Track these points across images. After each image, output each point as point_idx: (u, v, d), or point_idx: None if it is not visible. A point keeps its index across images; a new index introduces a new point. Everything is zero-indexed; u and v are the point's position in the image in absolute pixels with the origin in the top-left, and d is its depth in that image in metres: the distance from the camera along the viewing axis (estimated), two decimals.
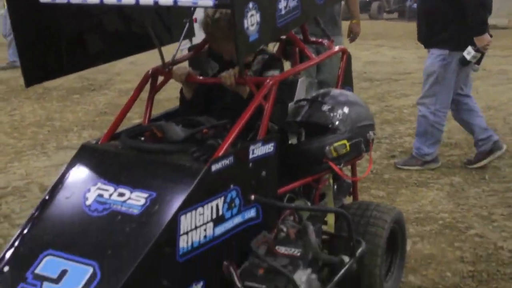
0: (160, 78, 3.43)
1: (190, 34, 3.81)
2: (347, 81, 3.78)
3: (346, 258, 3.10)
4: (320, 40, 3.91)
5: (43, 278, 2.49)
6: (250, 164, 2.92)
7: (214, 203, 2.73)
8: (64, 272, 2.49)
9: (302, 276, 2.83)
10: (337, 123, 3.23)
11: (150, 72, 3.36)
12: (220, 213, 2.77)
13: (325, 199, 3.52)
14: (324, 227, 3.34)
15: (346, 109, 3.27)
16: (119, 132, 3.16)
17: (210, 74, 3.55)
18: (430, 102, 5.82)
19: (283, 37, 3.65)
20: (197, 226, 2.65)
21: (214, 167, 2.72)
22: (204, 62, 3.69)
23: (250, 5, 2.49)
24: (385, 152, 6.45)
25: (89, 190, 2.78)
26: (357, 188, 3.92)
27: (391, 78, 10.65)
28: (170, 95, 7.79)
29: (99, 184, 2.79)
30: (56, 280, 2.47)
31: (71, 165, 2.94)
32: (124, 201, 2.69)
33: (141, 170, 2.83)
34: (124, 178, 2.79)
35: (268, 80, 3.05)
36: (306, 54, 3.57)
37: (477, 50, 5.44)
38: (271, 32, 2.72)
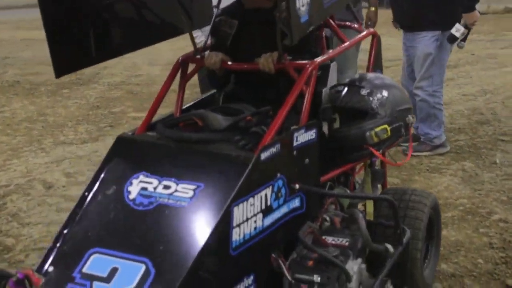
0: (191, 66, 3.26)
1: (210, 19, 3.69)
2: (377, 64, 3.68)
3: (389, 247, 3.00)
4: (349, 23, 3.80)
5: (92, 277, 2.35)
6: (295, 152, 2.81)
7: (263, 193, 2.62)
8: (114, 270, 2.35)
9: (353, 266, 2.72)
10: (376, 107, 3.12)
11: (180, 60, 3.21)
12: (269, 203, 2.66)
13: (359, 187, 3.42)
14: None
15: (385, 93, 3.15)
16: (154, 123, 3.01)
17: (230, 33, 3.30)
18: (427, 84, 5.78)
19: None
20: (248, 218, 2.53)
21: (263, 156, 2.60)
22: (221, 25, 3.44)
23: None
24: None
25: (131, 184, 2.65)
26: (386, 175, 3.83)
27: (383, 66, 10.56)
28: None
29: (141, 177, 2.66)
30: (107, 279, 2.33)
31: (108, 158, 2.81)
32: (171, 194, 2.56)
33: (185, 161, 2.69)
34: (168, 169, 2.65)
35: (308, 65, 2.93)
36: (340, 37, 3.46)
37: (465, 26, 5.49)
38: (319, 13, 2.60)
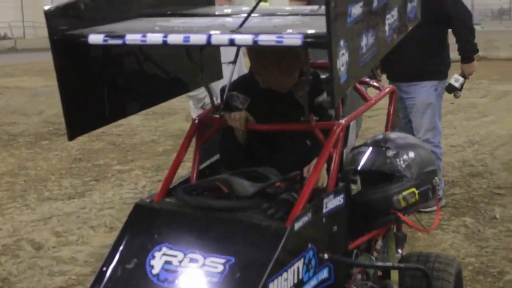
0: None
1: (219, 75, 3.56)
2: (395, 123, 3.56)
3: None
4: (367, 80, 3.68)
5: None
6: (324, 219, 2.66)
7: (295, 266, 2.46)
8: None
9: None
10: (403, 169, 2.98)
11: (197, 120, 3.04)
12: (300, 276, 2.50)
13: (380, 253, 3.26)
14: None
15: (411, 154, 3.02)
16: (173, 187, 2.83)
17: (241, 108, 3.16)
18: (433, 136, 5.71)
19: None
20: None
21: (297, 226, 2.44)
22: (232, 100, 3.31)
23: (342, 42, 2.24)
24: None
25: (153, 257, 2.46)
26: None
27: (364, 115, 10.52)
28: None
29: (164, 249, 2.48)
30: None
31: (126, 228, 2.62)
32: (198, 269, 2.38)
33: (211, 231, 2.51)
34: (193, 241, 2.48)
35: (335, 127, 2.80)
36: (362, 94, 3.34)
37: (463, 76, 5.58)
38: (355, 72, 2.46)
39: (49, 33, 2.50)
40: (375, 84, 3.61)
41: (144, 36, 2.42)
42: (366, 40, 2.52)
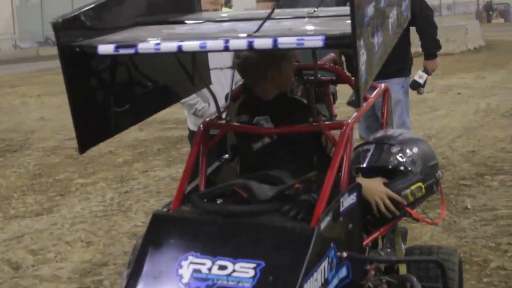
0: None
1: (208, 81, 3.55)
2: (389, 120, 3.61)
3: None
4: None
5: None
6: (341, 218, 2.68)
7: (322, 266, 2.48)
8: None
9: None
10: (409, 165, 3.03)
11: (202, 125, 3.02)
12: (326, 275, 2.51)
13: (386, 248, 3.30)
14: None
15: (415, 149, 3.09)
16: (186, 195, 2.81)
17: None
18: None
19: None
20: None
21: (322, 226, 2.46)
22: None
23: (361, 42, 2.26)
24: None
25: (180, 266, 2.44)
26: None
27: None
28: None
29: (190, 258, 2.46)
30: None
31: (148, 239, 2.58)
32: (229, 275, 2.37)
33: (236, 237, 2.51)
34: (219, 247, 2.47)
35: (345, 127, 2.82)
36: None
37: (427, 73, 5.68)
38: (372, 71, 2.49)
39: (58, 45, 2.46)
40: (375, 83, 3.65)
41: (157, 44, 2.39)
42: (377, 39, 2.56)
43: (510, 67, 16.75)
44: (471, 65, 17.16)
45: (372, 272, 2.95)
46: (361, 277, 2.83)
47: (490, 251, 4.68)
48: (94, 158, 8.71)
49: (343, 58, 5.05)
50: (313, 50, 2.67)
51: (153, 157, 8.57)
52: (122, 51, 2.44)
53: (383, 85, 3.57)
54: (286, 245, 2.42)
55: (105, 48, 2.43)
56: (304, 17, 2.93)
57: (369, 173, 3.13)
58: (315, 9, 3.06)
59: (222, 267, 2.39)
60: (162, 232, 2.60)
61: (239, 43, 2.33)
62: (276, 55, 3.02)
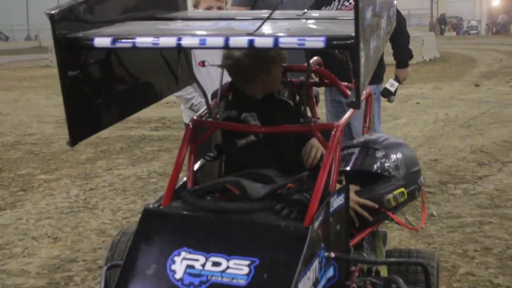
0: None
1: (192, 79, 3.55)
2: (370, 125, 3.66)
3: None
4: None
5: None
6: (331, 218, 2.70)
7: (314, 265, 2.50)
8: None
9: None
10: (392, 170, 3.08)
11: (192, 123, 3.01)
12: (317, 275, 2.53)
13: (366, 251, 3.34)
14: None
15: (399, 155, 3.14)
16: (176, 191, 2.79)
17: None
18: None
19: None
20: None
21: (316, 225, 2.48)
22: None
23: (361, 45, 2.29)
24: None
25: (173, 261, 2.44)
26: None
27: None
28: None
29: (183, 254, 2.45)
30: None
31: (139, 234, 2.57)
32: (223, 271, 2.38)
33: (229, 234, 2.51)
34: (213, 244, 2.47)
35: (335, 128, 2.85)
36: (347, 96, 3.40)
37: (398, 81, 5.74)
38: (368, 74, 2.53)
39: (54, 36, 2.43)
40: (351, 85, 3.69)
41: (156, 38, 2.38)
42: (372, 43, 2.59)
43: (466, 79, 17.11)
44: (428, 76, 17.45)
45: (356, 274, 3.00)
46: (346, 277, 2.87)
47: (458, 257, 4.77)
48: (56, 154, 8.61)
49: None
50: (313, 51, 2.69)
51: (117, 156, 8.50)
52: (119, 45, 2.41)
53: (367, 89, 3.61)
54: (280, 243, 2.44)
55: (102, 41, 2.41)
56: (297, 19, 2.94)
57: (353, 176, 3.18)
58: (305, 11, 3.09)
59: (216, 264, 2.40)
60: (154, 227, 2.60)
61: (240, 41, 2.32)
62: (267, 58, 3.05)
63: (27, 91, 16.65)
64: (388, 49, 5.73)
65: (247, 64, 3.04)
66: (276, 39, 2.27)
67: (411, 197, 3.16)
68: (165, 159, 8.20)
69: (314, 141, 3.14)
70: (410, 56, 5.79)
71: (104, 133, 9.86)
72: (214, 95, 3.28)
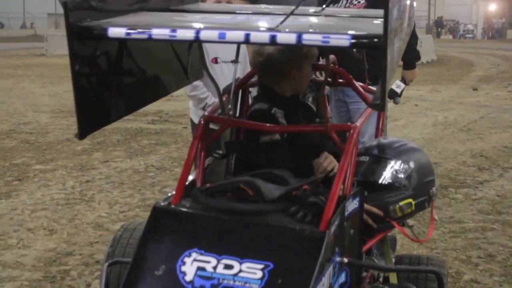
0: None
1: (201, 74, 3.46)
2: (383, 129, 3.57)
3: None
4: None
5: None
6: (345, 223, 2.62)
7: (328, 271, 2.41)
8: None
9: None
10: (403, 180, 3.00)
11: (203, 120, 2.92)
12: (330, 281, 2.44)
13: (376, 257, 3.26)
14: None
15: (412, 164, 3.04)
16: (186, 188, 2.70)
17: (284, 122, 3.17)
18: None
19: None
20: None
21: (332, 230, 2.39)
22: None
23: (389, 44, 2.20)
24: None
25: (183, 263, 2.35)
26: None
27: None
28: None
29: (194, 255, 2.36)
30: None
31: (148, 232, 2.47)
32: (236, 275, 2.29)
33: (242, 236, 2.42)
34: (224, 246, 2.37)
35: (351, 130, 2.76)
36: (362, 96, 3.32)
37: (404, 82, 5.62)
38: (392, 74, 2.44)
39: (66, 25, 2.33)
40: (371, 88, 3.61)
41: (173, 31, 2.28)
42: (396, 43, 2.51)
43: (464, 83, 17.08)
44: (426, 78, 17.36)
45: (367, 280, 2.92)
46: (357, 283, 2.79)
47: (461, 263, 4.70)
48: (52, 144, 8.50)
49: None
50: (337, 49, 2.60)
51: (113, 148, 8.39)
52: (134, 36, 2.31)
53: None
54: (295, 247, 2.35)
55: (116, 31, 2.31)
56: (316, 15, 2.85)
57: (362, 186, 3.08)
58: (324, 7, 3.01)
59: (228, 267, 2.31)
60: (163, 226, 2.50)
61: (261, 36, 2.23)
62: (299, 53, 2.99)
63: (22, 79, 16.49)
64: None
65: (279, 60, 2.97)
66: (300, 36, 2.18)
67: (419, 208, 3.08)
68: (162, 153, 8.10)
69: (329, 155, 3.06)
70: (418, 57, 5.69)
71: None
72: (225, 90, 3.19)
